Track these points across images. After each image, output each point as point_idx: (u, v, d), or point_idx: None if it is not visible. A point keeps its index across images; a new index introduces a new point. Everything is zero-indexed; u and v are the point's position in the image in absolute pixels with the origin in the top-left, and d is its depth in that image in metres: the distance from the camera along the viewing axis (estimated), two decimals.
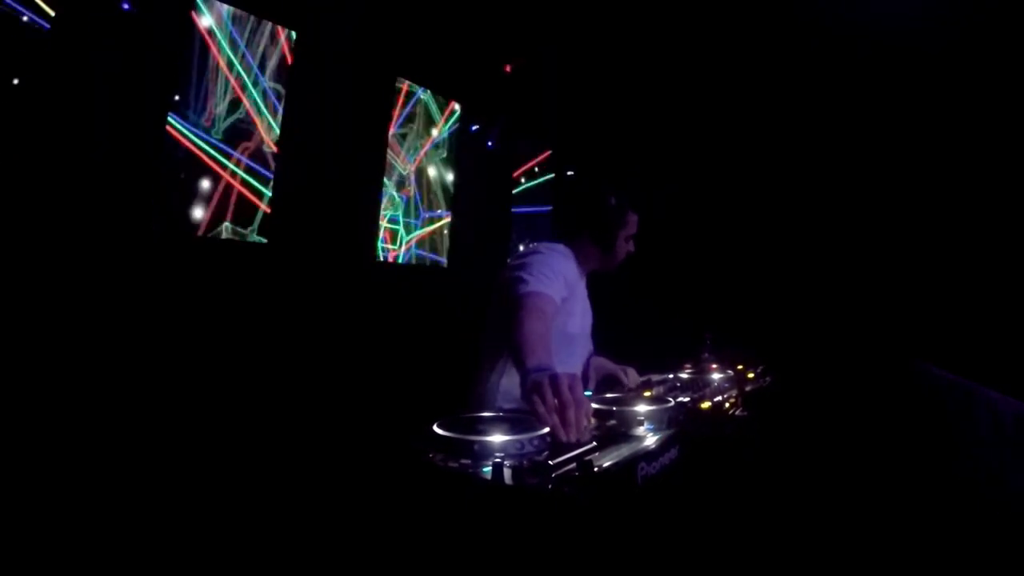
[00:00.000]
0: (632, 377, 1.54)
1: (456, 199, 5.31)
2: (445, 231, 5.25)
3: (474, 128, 5.41)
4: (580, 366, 1.73)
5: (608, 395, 1.29)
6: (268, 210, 3.74)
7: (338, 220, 4.10)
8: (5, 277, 2.54)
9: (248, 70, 3.63)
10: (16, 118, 2.64)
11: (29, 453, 2.33)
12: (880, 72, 4.24)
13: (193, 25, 3.34)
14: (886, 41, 3.97)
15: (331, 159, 4.01)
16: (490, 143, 5.44)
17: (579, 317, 1.66)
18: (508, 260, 1.61)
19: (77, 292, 2.74)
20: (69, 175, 2.77)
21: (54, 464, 2.33)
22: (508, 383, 1.50)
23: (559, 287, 1.44)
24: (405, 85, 4.78)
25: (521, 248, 1.28)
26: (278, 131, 3.80)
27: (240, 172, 3.62)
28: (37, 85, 2.68)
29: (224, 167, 3.52)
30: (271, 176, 3.77)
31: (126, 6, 2.86)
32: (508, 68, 5.17)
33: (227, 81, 3.53)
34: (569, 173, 5.97)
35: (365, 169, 4.41)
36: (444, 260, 5.22)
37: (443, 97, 5.15)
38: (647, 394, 1.31)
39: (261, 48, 3.71)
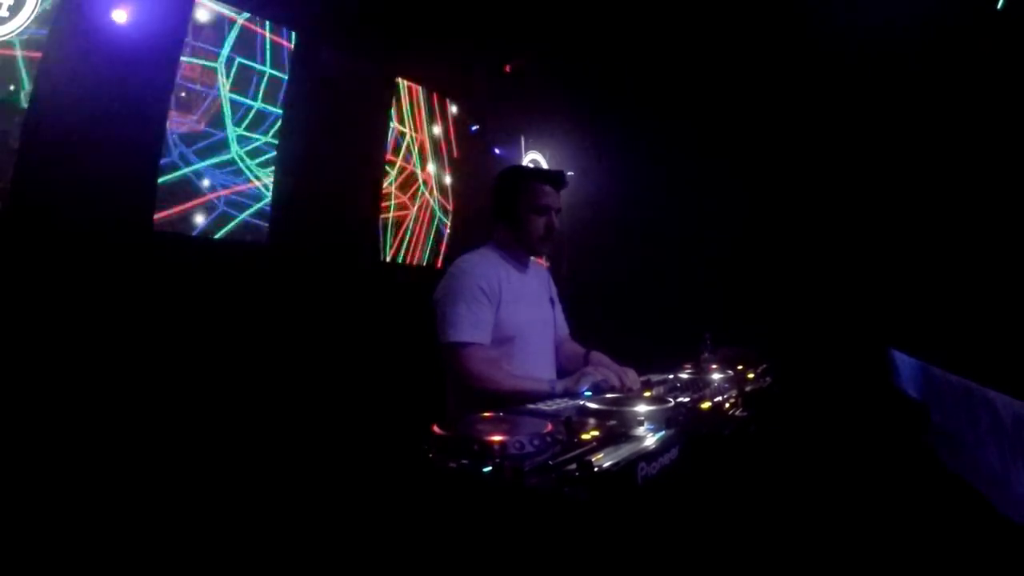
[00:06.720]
0: (631, 378, 1.54)
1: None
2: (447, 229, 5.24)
3: (474, 128, 5.39)
4: (550, 340, 1.79)
5: (608, 395, 1.29)
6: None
7: (338, 219, 4.10)
8: (5, 277, 2.53)
9: None
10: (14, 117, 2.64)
11: (29, 452, 2.33)
12: (869, 72, 4.25)
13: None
14: (867, 38, 3.98)
15: (330, 160, 4.00)
16: None
17: (525, 304, 1.70)
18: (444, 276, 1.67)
19: (77, 291, 2.74)
20: (68, 174, 2.76)
21: (55, 464, 2.33)
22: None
23: (482, 317, 1.56)
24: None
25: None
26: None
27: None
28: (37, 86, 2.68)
29: None
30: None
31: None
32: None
33: None
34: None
35: (364, 169, 4.41)
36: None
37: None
38: (647, 394, 1.31)
39: None
